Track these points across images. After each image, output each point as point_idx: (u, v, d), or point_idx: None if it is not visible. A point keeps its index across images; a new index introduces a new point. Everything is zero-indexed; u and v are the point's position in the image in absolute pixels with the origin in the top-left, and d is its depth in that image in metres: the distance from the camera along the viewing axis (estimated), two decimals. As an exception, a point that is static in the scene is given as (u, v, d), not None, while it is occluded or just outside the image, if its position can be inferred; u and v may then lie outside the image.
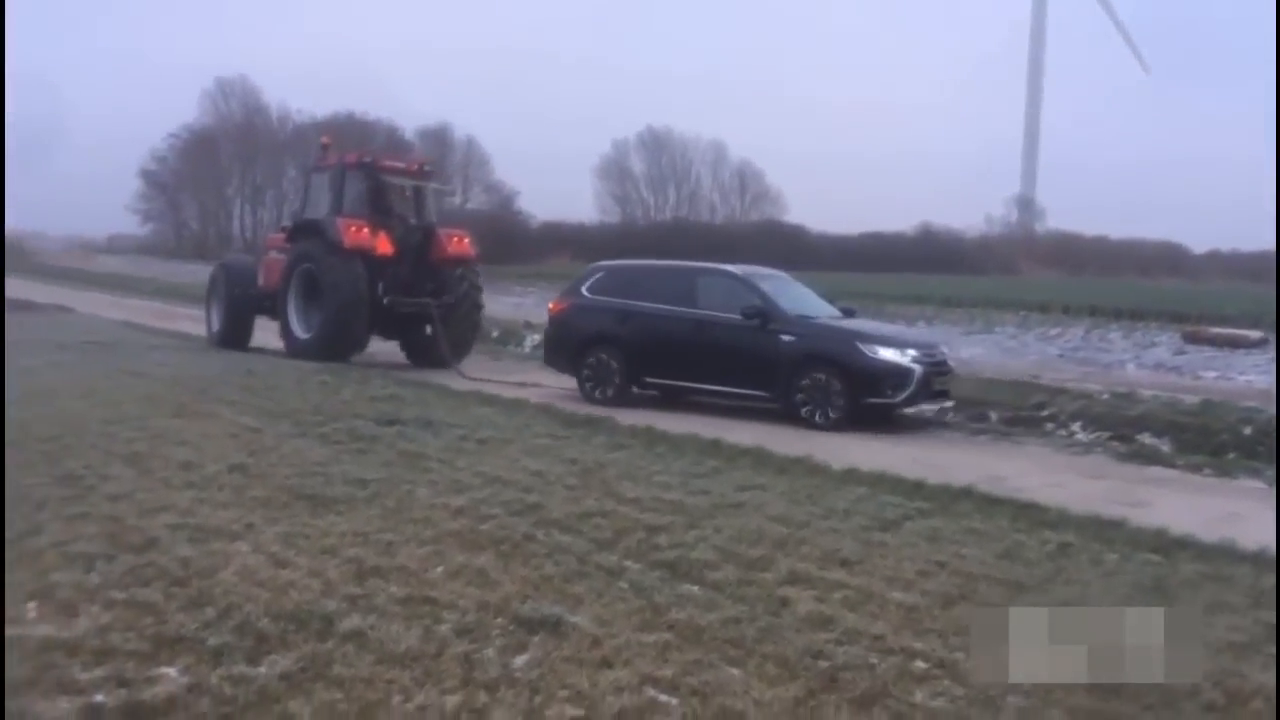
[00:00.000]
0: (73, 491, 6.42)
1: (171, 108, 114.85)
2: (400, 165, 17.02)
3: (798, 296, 12.78)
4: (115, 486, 6.56)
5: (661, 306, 12.41)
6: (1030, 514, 6.90)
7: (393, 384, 12.20)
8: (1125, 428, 10.96)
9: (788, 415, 11.33)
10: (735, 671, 4.04)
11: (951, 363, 12.31)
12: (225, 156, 75.41)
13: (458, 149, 78.74)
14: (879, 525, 6.39)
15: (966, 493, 7.46)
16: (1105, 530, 6.54)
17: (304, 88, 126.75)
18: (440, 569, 5.16)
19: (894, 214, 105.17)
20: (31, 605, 4.47)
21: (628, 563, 5.40)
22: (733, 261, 13.82)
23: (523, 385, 13.37)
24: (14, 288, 29.08)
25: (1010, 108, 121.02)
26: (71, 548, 5.23)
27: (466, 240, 16.21)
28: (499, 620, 4.46)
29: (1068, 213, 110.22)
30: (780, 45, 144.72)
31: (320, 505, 6.32)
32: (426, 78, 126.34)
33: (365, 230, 15.02)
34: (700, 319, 12.10)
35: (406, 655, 4.04)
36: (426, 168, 17.54)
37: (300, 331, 15.37)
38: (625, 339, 12.47)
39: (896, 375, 11.09)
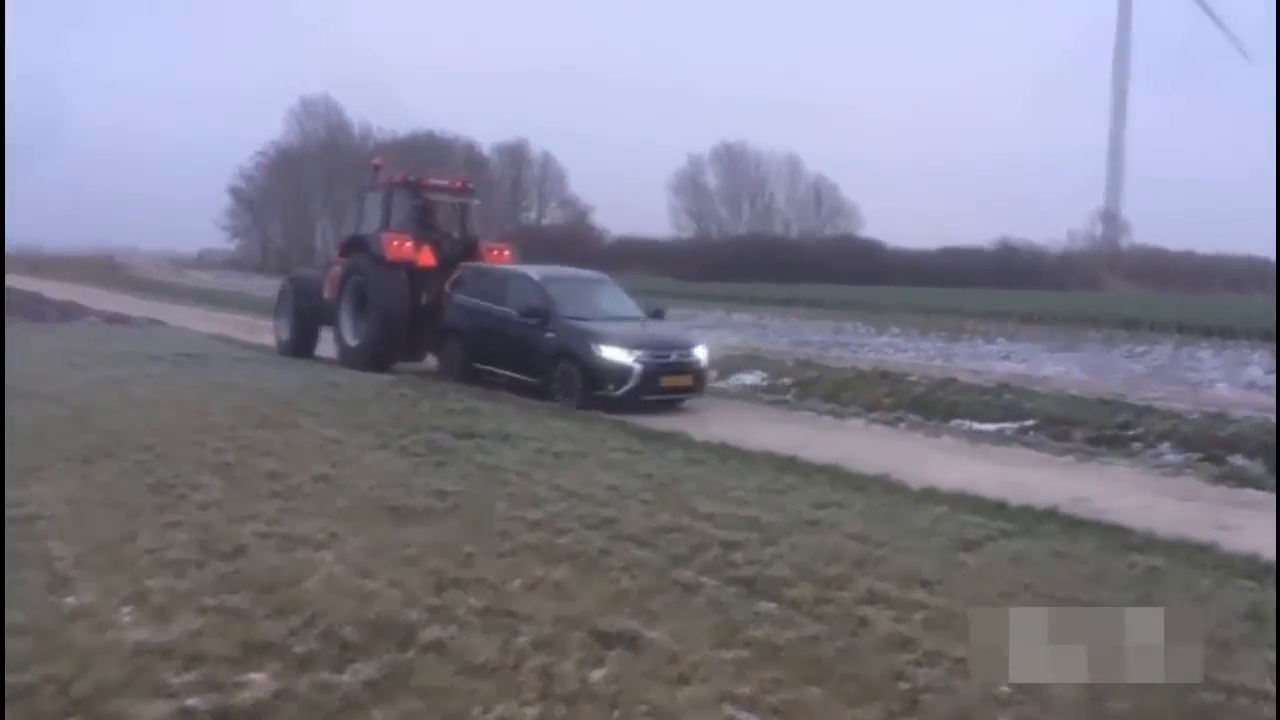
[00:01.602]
0: (166, 499, 6.64)
1: (263, 128, 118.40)
2: (444, 184, 17.77)
3: (595, 299, 14.51)
4: (205, 495, 6.77)
5: (486, 305, 14.49)
6: (1117, 537, 6.72)
7: (469, 397, 12.37)
8: (1216, 449, 10.60)
9: (548, 396, 12.91)
10: (814, 691, 4.01)
11: (701, 364, 13.52)
12: (309, 174, 77.15)
13: (534, 164, 79.76)
14: (960, 545, 6.28)
15: (1050, 514, 7.30)
16: (1196, 555, 6.35)
17: (385, 107, 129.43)
18: (518, 581, 5.21)
19: (972, 228, 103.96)
20: (127, 610, 4.63)
21: (704, 579, 5.40)
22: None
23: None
24: (108, 301, 30.15)
25: (1092, 118, 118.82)
26: (165, 554, 5.42)
27: (507, 253, 17.10)
28: (576, 634, 4.49)
29: (1154, 226, 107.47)
30: (853, 58, 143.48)
31: (401, 516, 6.44)
32: (503, 97, 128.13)
33: (409, 244, 15.88)
34: (504, 316, 14.10)
35: (486, 666, 4.10)
36: (469, 185, 18.30)
37: (350, 339, 16.21)
38: (465, 331, 14.66)
39: (618, 371, 12.71)
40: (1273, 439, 10.64)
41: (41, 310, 25.22)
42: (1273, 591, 5.58)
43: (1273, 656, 4.55)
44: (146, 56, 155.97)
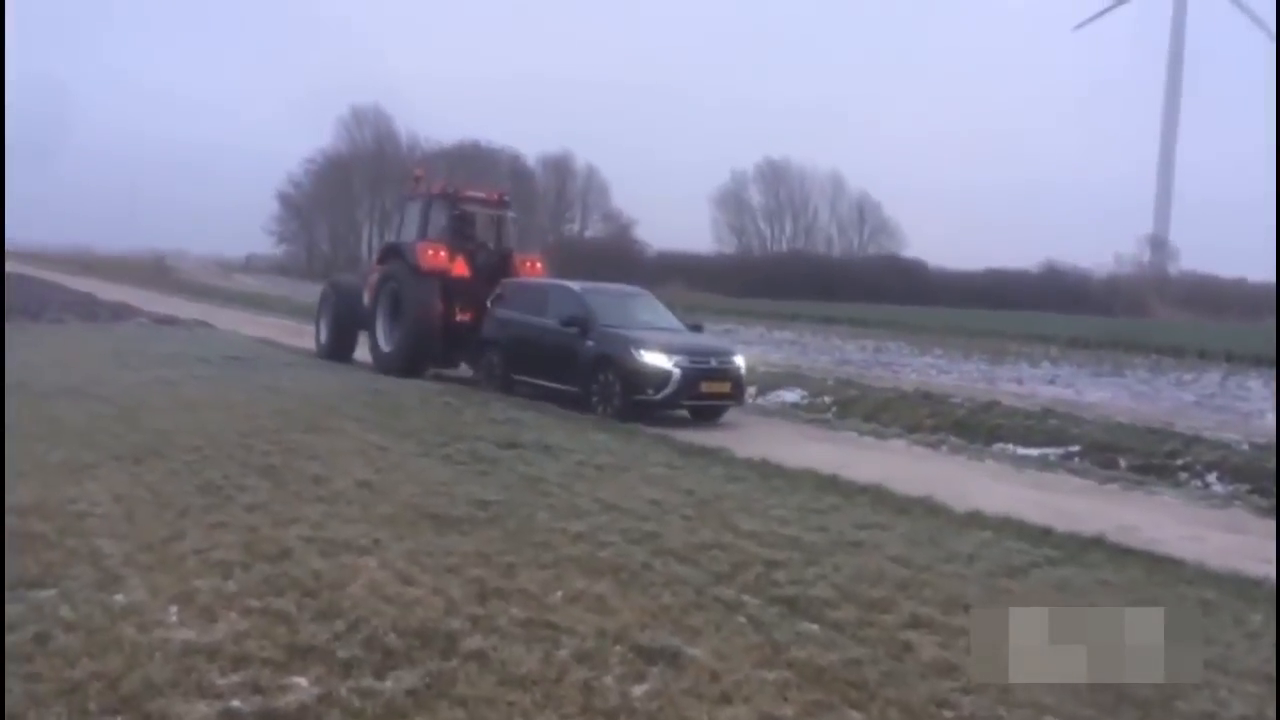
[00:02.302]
0: (213, 500, 6.73)
1: (309, 139, 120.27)
2: (480, 195, 18.04)
3: (633, 311, 14.63)
4: (251, 497, 6.85)
5: (525, 317, 14.68)
6: (1166, 568, 6.61)
7: (511, 408, 12.42)
8: (1266, 480, 10.39)
9: (587, 407, 13.00)
10: (857, 715, 3.97)
11: (740, 371, 13.53)
12: (356, 181, 78.05)
13: (578, 176, 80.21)
14: (1005, 571, 6.20)
15: (1097, 542, 7.18)
16: (1247, 588, 6.22)
17: (433, 117, 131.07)
18: (560, 593, 5.21)
19: (1017, 250, 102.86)
20: (174, 609, 4.68)
21: (746, 597, 5.37)
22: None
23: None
24: (159, 303, 30.62)
25: (1142, 140, 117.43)
26: (212, 555, 5.48)
27: (539, 264, 17.49)
28: (618, 648, 4.48)
29: (1204, 252, 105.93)
30: (899, 75, 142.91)
31: (444, 524, 6.47)
32: (549, 110, 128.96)
33: (443, 254, 16.20)
34: (544, 326, 14.21)
35: (527, 678, 4.10)
36: (505, 198, 18.56)
37: (384, 345, 16.54)
38: (504, 343, 14.85)
39: (658, 376, 12.79)
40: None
41: (94, 311, 25.67)
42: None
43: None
44: (198, 68, 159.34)
